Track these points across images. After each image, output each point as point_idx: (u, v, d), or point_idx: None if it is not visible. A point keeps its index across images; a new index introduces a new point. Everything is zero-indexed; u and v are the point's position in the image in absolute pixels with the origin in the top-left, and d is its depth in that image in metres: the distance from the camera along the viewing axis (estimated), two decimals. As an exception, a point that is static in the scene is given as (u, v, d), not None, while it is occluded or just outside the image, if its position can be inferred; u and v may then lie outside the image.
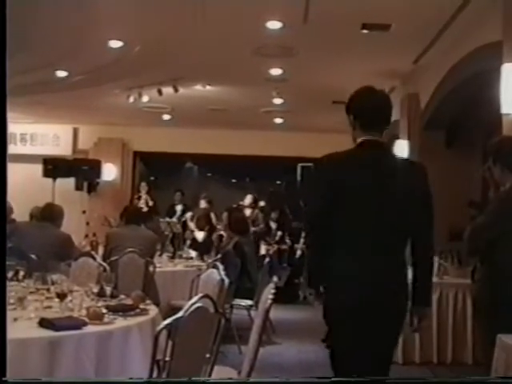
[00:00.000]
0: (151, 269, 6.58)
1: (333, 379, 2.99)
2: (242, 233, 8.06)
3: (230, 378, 3.73)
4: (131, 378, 3.36)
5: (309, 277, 3.47)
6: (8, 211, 8.02)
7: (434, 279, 6.30)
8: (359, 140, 3.56)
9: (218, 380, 3.48)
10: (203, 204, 11.99)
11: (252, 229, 11.15)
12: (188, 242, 11.70)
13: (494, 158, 3.91)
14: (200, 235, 9.25)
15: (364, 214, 3.26)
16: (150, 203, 12.66)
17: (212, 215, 11.65)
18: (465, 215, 8.32)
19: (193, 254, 9.01)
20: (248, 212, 11.84)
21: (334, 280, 3.25)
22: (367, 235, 3.25)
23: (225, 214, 9.82)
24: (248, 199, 12.17)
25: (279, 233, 11.76)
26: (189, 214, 11.98)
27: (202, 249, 9.04)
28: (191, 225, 11.81)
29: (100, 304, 4.13)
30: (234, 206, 11.98)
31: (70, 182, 14.13)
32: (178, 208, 12.92)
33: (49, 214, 6.65)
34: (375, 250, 3.24)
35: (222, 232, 9.15)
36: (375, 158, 3.40)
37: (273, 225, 11.87)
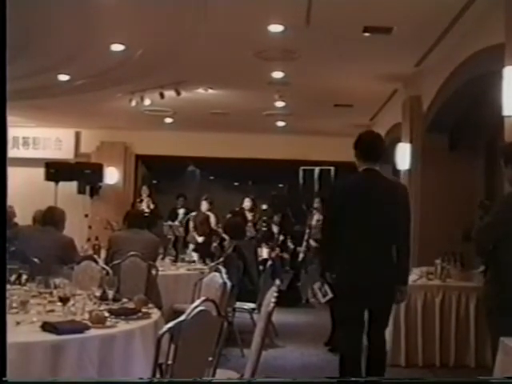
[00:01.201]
0: (154, 272, 6.57)
1: (338, 380, 3.05)
2: (237, 237, 8.08)
3: (231, 379, 3.73)
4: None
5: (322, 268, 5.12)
6: (10, 215, 8.04)
7: (437, 282, 6.37)
8: (361, 168, 4.81)
9: (223, 380, 3.48)
10: (205, 205, 11.97)
11: (253, 232, 11.15)
12: (191, 246, 11.71)
13: (506, 160, 4.11)
14: (199, 240, 9.26)
15: (362, 223, 4.68)
16: (152, 206, 12.65)
17: (212, 219, 11.61)
18: (468, 217, 8.34)
19: (195, 257, 9.01)
20: (249, 215, 11.84)
21: (340, 270, 4.76)
22: (365, 239, 4.66)
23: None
24: (247, 202, 12.14)
25: (281, 236, 11.74)
26: (191, 216, 11.97)
27: (204, 252, 9.03)
28: (192, 228, 11.81)
29: (102, 308, 4.13)
30: (237, 209, 11.98)
31: (73, 185, 14.13)
32: (181, 211, 12.91)
33: (51, 218, 6.65)
34: (370, 250, 4.66)
35: (224, 235, 9.16)
36: (369, 182, 4.78)
37: (275, 228, 11.85)
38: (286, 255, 11.37)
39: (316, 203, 11.44)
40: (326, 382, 2.82)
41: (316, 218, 10.85)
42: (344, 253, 4.71)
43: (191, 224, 11.69)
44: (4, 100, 2.54)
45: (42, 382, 3.08)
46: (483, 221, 4.11)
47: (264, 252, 10.89)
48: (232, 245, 7.96)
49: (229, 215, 9.96)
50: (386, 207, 4.69)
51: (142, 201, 13.16)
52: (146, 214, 11.48)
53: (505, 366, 3.24)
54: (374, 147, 4.84)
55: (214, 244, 8.78)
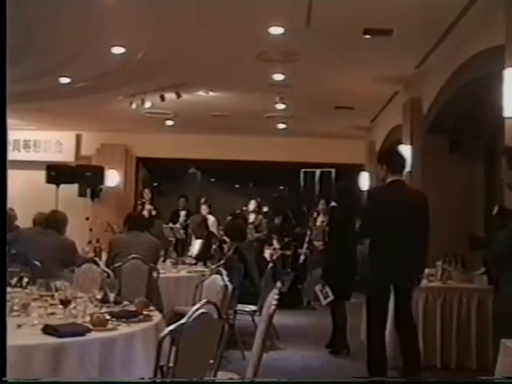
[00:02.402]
0: (155, 275, 6.58)
1: (338, 380, 3.06)
2: (238, 239, 8.08)
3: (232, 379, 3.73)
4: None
5: None
6: (11, 218, 8.04)
7: (438, 284, 6.38)
8: (389, 180, 5.74)
9: (226, 380, 3.48)
10: (204, 209, 11.99)
11: (255, 234, 11.15)
12: (192, 248, 11.70)
13: (510, 162, 4.16)
14: (197, 242, 9.25)
15: (394, 228, 5.63)
16: (154, 213, 12.60)
17: (210, 221, 11.58)
18: (468, 219, 8.35)
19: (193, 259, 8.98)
20: (252, 217, 11.84)
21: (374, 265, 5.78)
22: (395, 239, 5.62)
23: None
24: (252, 204, 12.18)
25: (283, 238, 11.75)
26: (190, 220, 11.97)
27: (204, 255, 9.01)
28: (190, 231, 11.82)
29: (104, 310, 4.13)
30: (238, 211, 11.99)
31: (74, 188, 14.13)
32: (182, 214, 12.90)
33: (53, 222, 6.66)
34: (399, 247, 5.61)
35: (224, 237, 9.16)
36: (398, 191, 5.74)
37: (276, 230, 11.86)
38: (288, 252, 11.37)
39: (321, 205, 11.46)
40: (327, 382, 2.81)
41: (320, 219, 10.86)
42: (379, 249, 5.71)
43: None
44: (4, 103, 2.54)
45: (41, 382, 3.08)
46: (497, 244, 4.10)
47: (266, 254, 10.90)
48: (233, 247, 7.96)
49: (229, 217, 9.96)
50: (411, 214, 5.67)
51: (144, 204, 13.15)
52: (147, 217, 11.47)
53: (506, 367, 3.24)
54: (401, 160, 5.94)
55: (214, 246, 8.76)
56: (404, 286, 5.78)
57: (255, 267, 8.13)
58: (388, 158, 5.90)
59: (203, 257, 8.71)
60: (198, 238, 9.27)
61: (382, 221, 5.69)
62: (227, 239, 8.44)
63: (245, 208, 12.22)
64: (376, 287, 5.79)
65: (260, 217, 12.05)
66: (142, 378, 3.20)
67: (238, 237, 8.17)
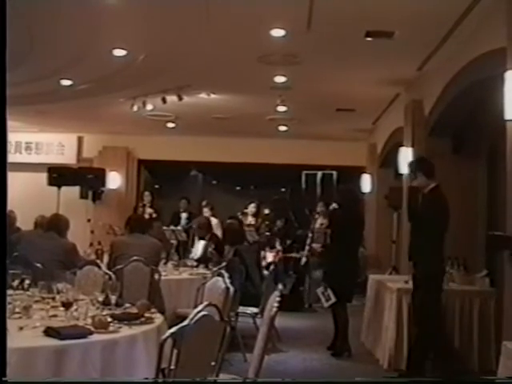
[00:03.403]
0: (156, 277, 6.57)
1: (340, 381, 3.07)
2: (236, 243, 8.10)
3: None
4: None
5: None
6: (12, 220, 8.05)
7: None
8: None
9: (228, 380, 3.48)
10: (206, 211, 12.00)
11: (256, 237, 11.13)
12: (193, 250, 11.69)
13: None
14: (200, 244, 9.24)
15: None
16: (154, 215, 12.59)
17: (213, 223, 11.58)
18: (471, 221, 8.33)
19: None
20: (251, 220, 11.85)
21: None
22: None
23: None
24: (252, 207, 12.18)
25: (285, 241, 11.73)
26: (193, 222, 11.95)
27: (207, 257, 9.00)
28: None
29: (105, 313, 4.13)
30: (239, 213, 11.97)
31: (75, 190, 14.14)
32: (183, 216, 12.90)
33: (55, 225, 6.67)
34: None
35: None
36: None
37: (278, 232, 11.85)
38: (290, 255, 11.36)
39: (319, 207, 11.46)
40: (326, 382, 2.81)
41: (320, 221, 10.85)
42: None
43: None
44: (4, 105, 2.55)
45: (41, 383, 3.08)
46: None
47: (267, 256, 10.89)
48: (232, 250, 7.97)
49: (228, 221, 9.97)
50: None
51: (144, 206, 13.15)
52: (149, 219, 11.47)
53: (508, 369, 3.24)
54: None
55: (210, 249, 8.73)
56: None
57: (256, 270, 8.14)
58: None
59: (206, 258, 8.70)
60: (201, 238, 9.26)
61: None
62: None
63: (245, 210, 12.21)
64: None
65: (260, 219, 12.05)
66: (146, 378, 3.20)
67: (235, 240, 8.20)
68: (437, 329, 6.21)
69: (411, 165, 6.76)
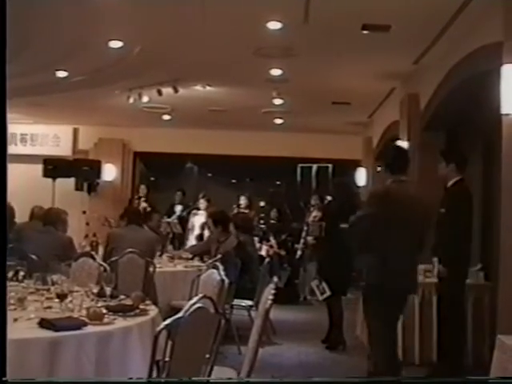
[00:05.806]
0: (151, 269, 6.58)
1: (333, 380, 3.05)
2: (247, 231, 8.10)
3: (230, 378, 3.74)
4: (131, 378, 3.36)
5: None
6: (10, 215, 8.03)
7: (435, 280, 6.36)
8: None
9: (221, 380, 3.49)
10: (202, 203, 12.01)
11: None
12: (188, 243, 11.71)
13: None
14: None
15: None
16: (148, 209, 12.55)
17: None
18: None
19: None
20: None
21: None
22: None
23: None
24: (243, 200, 12.17)
25: (280, 234, 11.73)
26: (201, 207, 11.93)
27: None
28: (196, 224, 11.87)
29: (100, 304, 4.14)
30: (235, 206, 11.97)
31: (70, 182, 14.14)
32: (178, 208, 12.91)
33: (54, 218, 6.68)
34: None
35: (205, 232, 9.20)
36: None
37: (273, 226, 11.86)
38: (282, 252, 11.37)
39: (313, 200, 11.48)
40: (326, 381, 2.82)
41: (313, 214, 10.87)
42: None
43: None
44: (4, 98, 2.54)
45: (41, 382, 3.08)
46: None
47: (262, 249, 10.90)
48: (236, 241, 7.89)
49: (235, 210, 9.91)
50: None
51: (140, 198, 13.15)
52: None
53: (501, 363, 3.25)
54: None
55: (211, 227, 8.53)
56: None
57: (257, 262, 8.15)
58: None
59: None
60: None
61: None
62: (233, 231, 8.27)
63: (240, 203, 12.21)
64: None
65: (253, 212, 12.04)
66: (141, 378, 3.19)
67: (247, 229, 8.19)
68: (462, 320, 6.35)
69: (444, 153, 6.56)
